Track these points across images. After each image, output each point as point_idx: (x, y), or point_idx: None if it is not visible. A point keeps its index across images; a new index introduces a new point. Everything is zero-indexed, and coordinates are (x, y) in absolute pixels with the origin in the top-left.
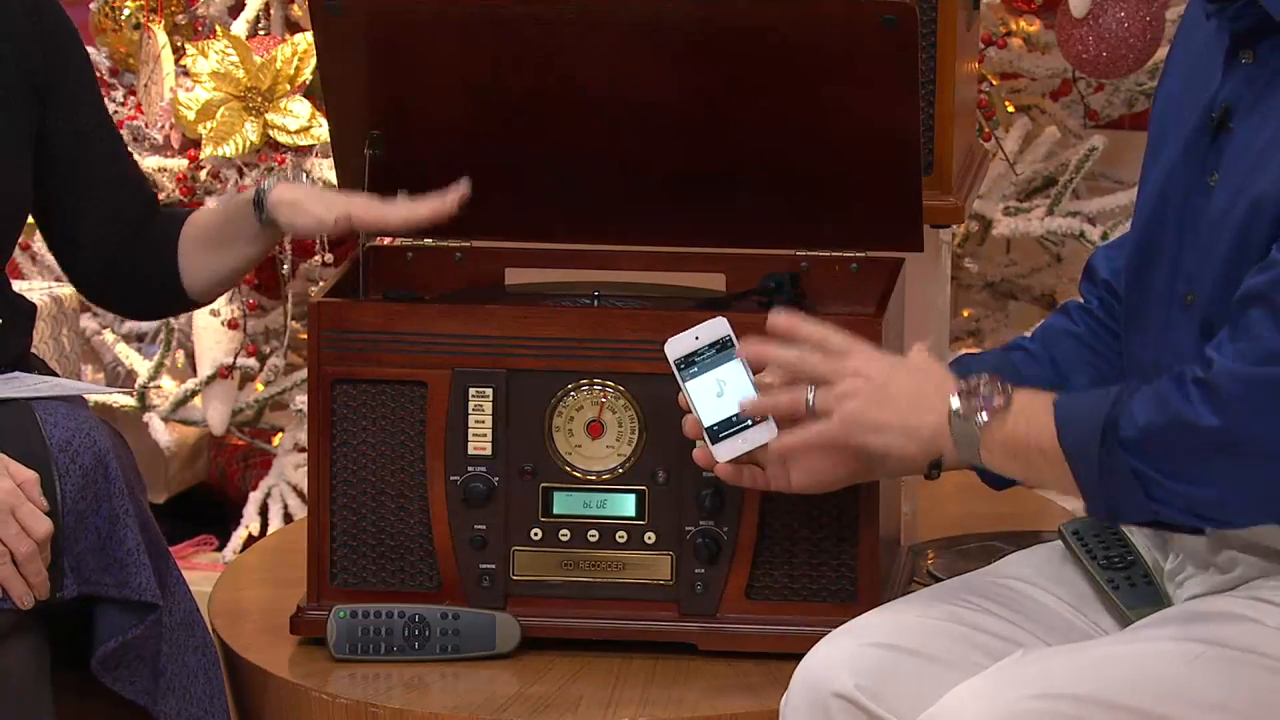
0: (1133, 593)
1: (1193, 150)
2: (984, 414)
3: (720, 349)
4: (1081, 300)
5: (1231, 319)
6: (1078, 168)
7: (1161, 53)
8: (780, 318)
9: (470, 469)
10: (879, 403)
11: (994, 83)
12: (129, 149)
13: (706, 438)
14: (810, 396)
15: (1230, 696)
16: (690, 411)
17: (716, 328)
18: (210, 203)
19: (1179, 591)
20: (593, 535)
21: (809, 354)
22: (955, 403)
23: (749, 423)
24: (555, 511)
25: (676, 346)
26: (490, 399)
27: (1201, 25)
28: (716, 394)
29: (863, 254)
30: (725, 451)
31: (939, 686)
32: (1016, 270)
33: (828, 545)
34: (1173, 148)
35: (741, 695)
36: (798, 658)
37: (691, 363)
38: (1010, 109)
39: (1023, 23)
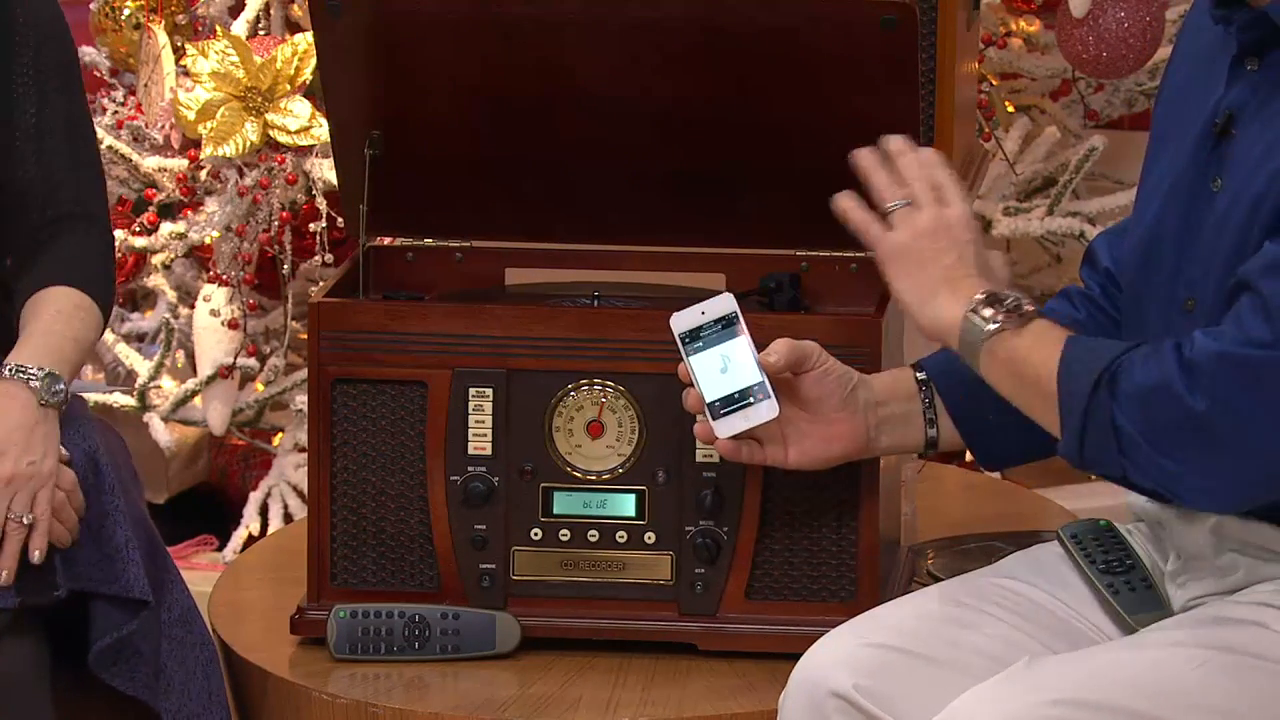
0: (1133, 598)
1: (1196, 155)
2: (996, 323)
3: (726, 325)
4: (1083, 285)
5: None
6: (1078, 168)
7: (1161, 53)
8: (893, 141)
9: (470, 469)
10: (921, 260)
11: (994, 83)
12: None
13: (708, 413)
14: (895, 205)
15: (1239, 702)
16: (691, 385)
17: (723, 304)
18: (210, 204)
19: (1180, 593)
20: (593, 535)
21: (909, 172)
22: (975, 301)
23: (751, 400)
24: (555, 511)
25: (682, 321)
26: (490, 399)
27: (1206, 30)
28: (720, 370)
29: (863, 254)
30: (726, 428)
31: (936, 687)
32: (1016, 270)
33: (828, 545)
34: (1175, 152)
35: (741, 695)
36: (798, 658)
37: (696, 337)
38: (1010, 109)
39: (1023, 23)
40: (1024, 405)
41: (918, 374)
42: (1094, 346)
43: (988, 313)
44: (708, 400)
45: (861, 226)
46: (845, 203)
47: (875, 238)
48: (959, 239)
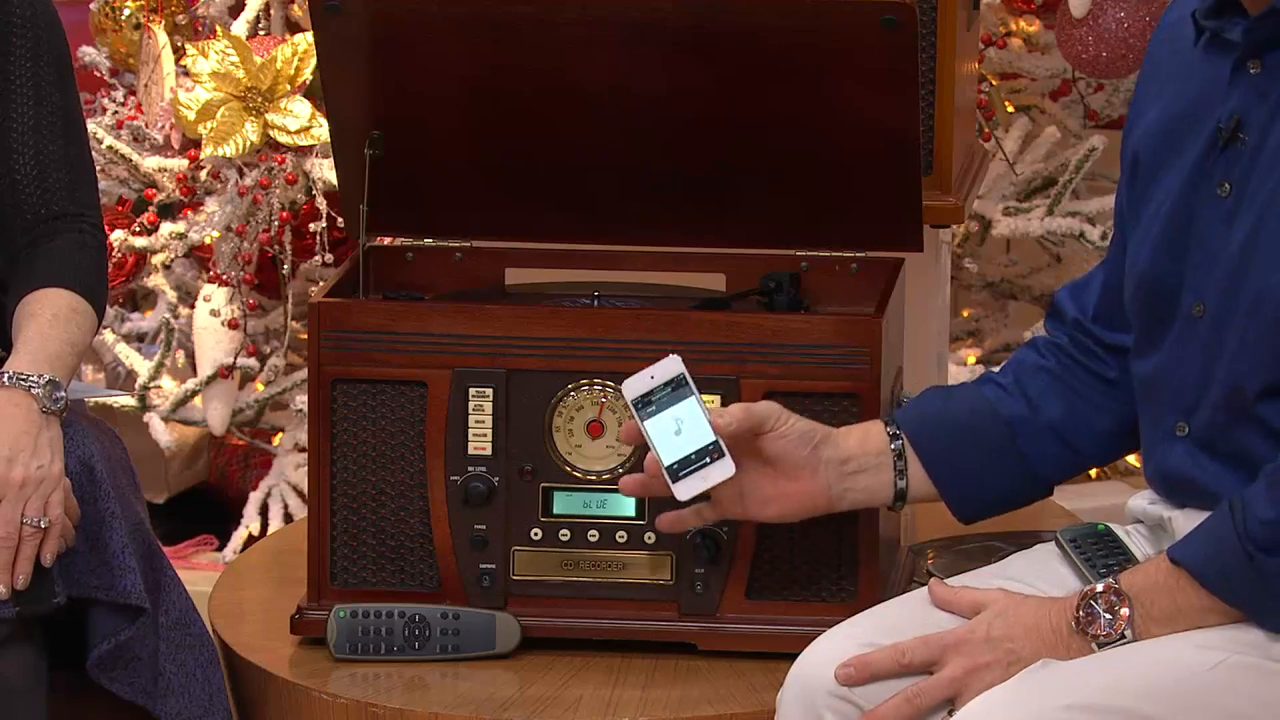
0: None
1: (1201, 162)
2: (1124, 634)
3: (675, 387)
4: (1049, 336)
5: None
6: (1077, 168)
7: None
8: (845, 673)
9: (470, 469)
10: (1017, 664)
11: (994, 83)
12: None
13: (666, 476)
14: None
15: (1252, 704)
16: (650, 450)
17: (670, 366)
18: (210, 204)
19: None
20: (593, 535)
21: (912, 697)
22: (1093, 634)
23: (707, 460)
24: (555, 511)
25: (634, 386)
26: (490, 399)
27: (1181, 55)
28: (674, 432)
29: (863, 254)
30: (686, 490)
31: None
32: (1016, 270)
33: (828, 545)
34: (1179, 170)
35: (741, 695)
36: (797, 658)
37: (649, 402)
38: (1010, 109)
39: (1023, 23)
40: (1213, 625)
41: (889, 428)
42: (1205, 545)
43: (1105, 630)
44: (665, 464)
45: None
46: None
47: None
48: (996, 660)
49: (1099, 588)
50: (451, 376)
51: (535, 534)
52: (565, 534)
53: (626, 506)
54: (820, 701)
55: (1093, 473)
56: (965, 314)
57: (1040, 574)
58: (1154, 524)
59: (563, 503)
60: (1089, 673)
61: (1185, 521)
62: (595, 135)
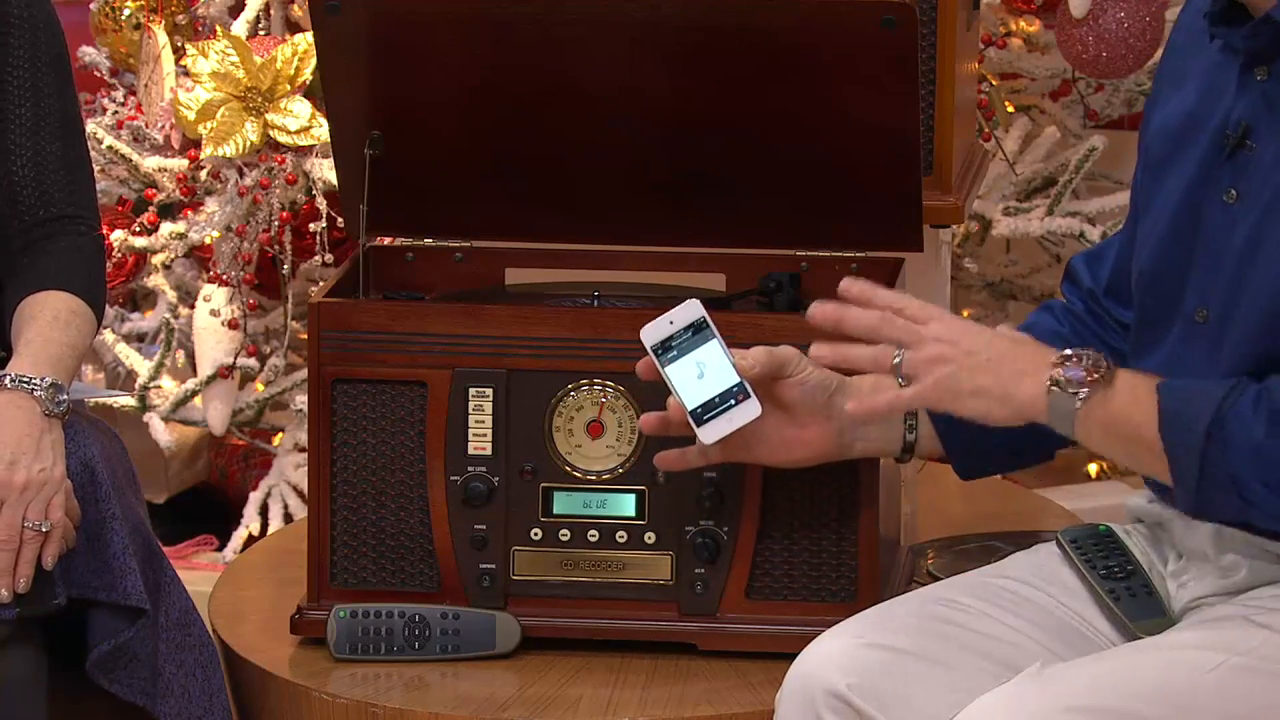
0: (1134, 604)
1: (1207, 168)
2: (1084, 389)
3: (696, 331)
4: (1064, 301)
5: None
6: (1077, 168)
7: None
8: (854, 284)
9: (470, 469)
10: (973, 369)
11: (994, 83)
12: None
13: (691, 421)
14: (897, 359)
15: (1253, 707)
16: (672, 395)
17: (690, 310)
18: (210, 204)
19: (1181, 592)
20: (593, 535)
21: (889, 318)
22: (1054, 373)
23: (732, 402)
24: (555, 511)
25: (652, 332)
26: (490, 399)
27: (1200, 49)
28: (697, 376)
29: (863, 254)
30: (711, 433)
31: (931, 686)
32: (1016, 270)
33: (828, 545)
34: (1184, 171)
35: (741, 695)
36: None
37: (669, 347)
38: (1010, 109)
39: (1023, 23)
40: (1134, 467)
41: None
42: (1190, 396)
43: (1072, 376)
44: (689, 408)
45: (888, 404)
46: (840, 351)
47: (911, 396)
48: (966, 344)
49: (1091, 353)
50: (451, 376)
51: (535, 534)
52: (565, 534)
53: (626, 506)
54: (819, 702)
55: (1092, 472)
56: (965, 314)
57: (1040, 574)
58: (1154, 523)
59: (563, 503)
60: (1088, 674)
61: (1185, 521)
62: (595, 135)
